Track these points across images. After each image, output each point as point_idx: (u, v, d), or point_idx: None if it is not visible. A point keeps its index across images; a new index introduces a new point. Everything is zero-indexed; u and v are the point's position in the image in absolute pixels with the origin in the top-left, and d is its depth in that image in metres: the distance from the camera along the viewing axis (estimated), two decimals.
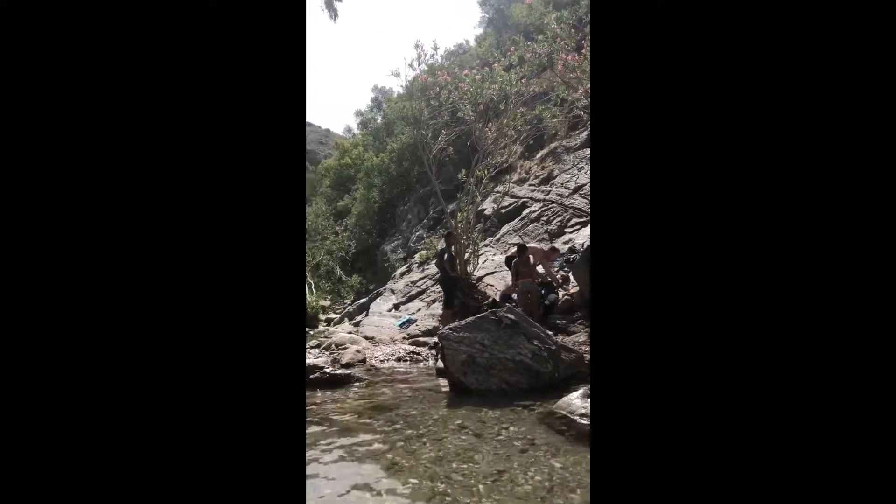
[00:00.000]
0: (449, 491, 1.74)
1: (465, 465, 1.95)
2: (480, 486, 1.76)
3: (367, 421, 2.59)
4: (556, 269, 5.42)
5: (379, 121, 17.17)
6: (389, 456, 2.08)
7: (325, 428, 2.49)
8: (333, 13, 7.08)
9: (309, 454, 2.11)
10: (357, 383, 3.48)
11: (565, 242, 6.30)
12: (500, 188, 7.42)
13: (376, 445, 2.22)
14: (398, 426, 2.48)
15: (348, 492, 1.76)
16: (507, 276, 5.61)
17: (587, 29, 6.75)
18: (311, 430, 2.46)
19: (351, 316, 8.10)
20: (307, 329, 7.58)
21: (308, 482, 1.82)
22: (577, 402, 2.29)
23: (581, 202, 7.01)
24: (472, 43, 18.36)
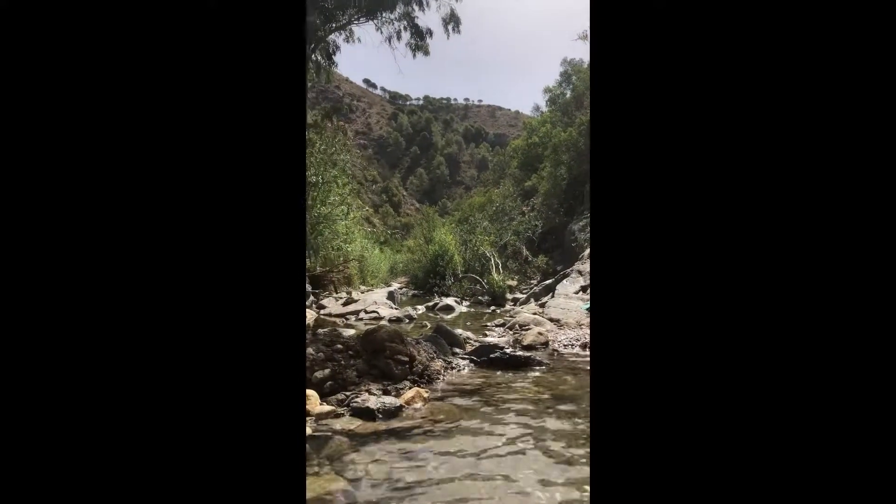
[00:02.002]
0: None
1: None
2: None
3: (546, 411, 2.40)
4: None
5: (568, 95, 16.39)
6: (567, 455, 1.86)
7: (498, 412, 2.39)
8: None
9: (472, 439, 2.03)
10: (537, 367, 3.31)
11: None
12: None
13: (551, 440, 2.02)
14: (578, 421, 2.23)
15: (519, 487, 1.61)
16: None
17: None
18: (483, 409, 2.39)
19: (537, 297, 7.97)
20: (495, 308, 7.74)
21: (471, 477, 1.74)
22: None
23: None
24: None
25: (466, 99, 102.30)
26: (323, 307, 7.16)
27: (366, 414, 2.26)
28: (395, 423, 2.22)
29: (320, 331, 5.35)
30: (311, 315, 6.41)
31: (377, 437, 2.06)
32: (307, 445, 1.92)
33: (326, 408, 2.32)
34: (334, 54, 11.47)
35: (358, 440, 2.01)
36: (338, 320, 6.30)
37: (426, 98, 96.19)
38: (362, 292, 9.04)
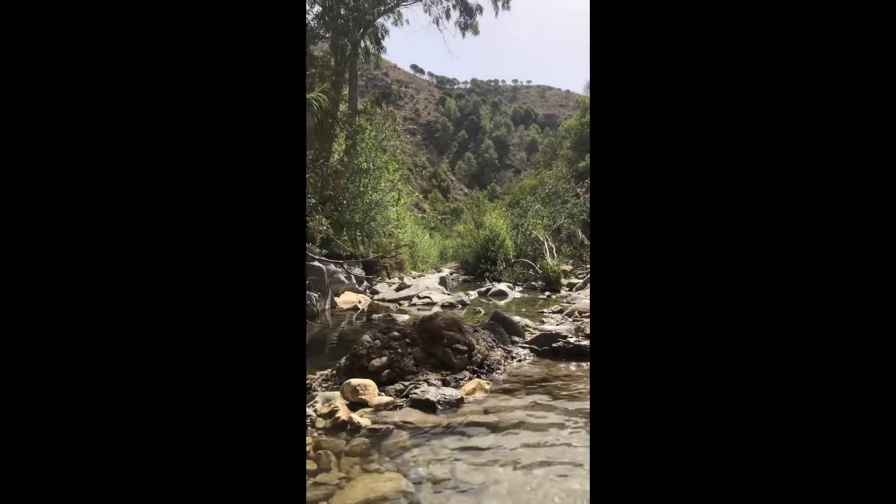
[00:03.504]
0: None
1: None
2: None
3: None
4: None
5: None
6: None
7: (566, 406, 2.21)
8: None
9: (541, 436, 1.87)
10: None
11: None
12: None
13: None
14: None
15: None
16: None
17: None
18: (550, 403, 2.21)
19: None
20: (550, 293, 7.48)
21: (544, 478, 1.58)
22: None
23: None
24: None
25: (515, 80, 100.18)
26: (376, 292, 7.20)
27: (426, 406, 2.15)
28: (456, 417, 2.09)
29: (375, 316, 5.35)
30: (365, 300, 6.45)
31: (439, 431, 1.94)
32: (367, 439, 1.84)
33: (385, 398, 2.23)
34: (383, 39, 11.38)
35: (419, 435, 1.90)
36: (391, 305, 6.30)
37: (473, 81, 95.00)
38: (414, 277, 9.03)
